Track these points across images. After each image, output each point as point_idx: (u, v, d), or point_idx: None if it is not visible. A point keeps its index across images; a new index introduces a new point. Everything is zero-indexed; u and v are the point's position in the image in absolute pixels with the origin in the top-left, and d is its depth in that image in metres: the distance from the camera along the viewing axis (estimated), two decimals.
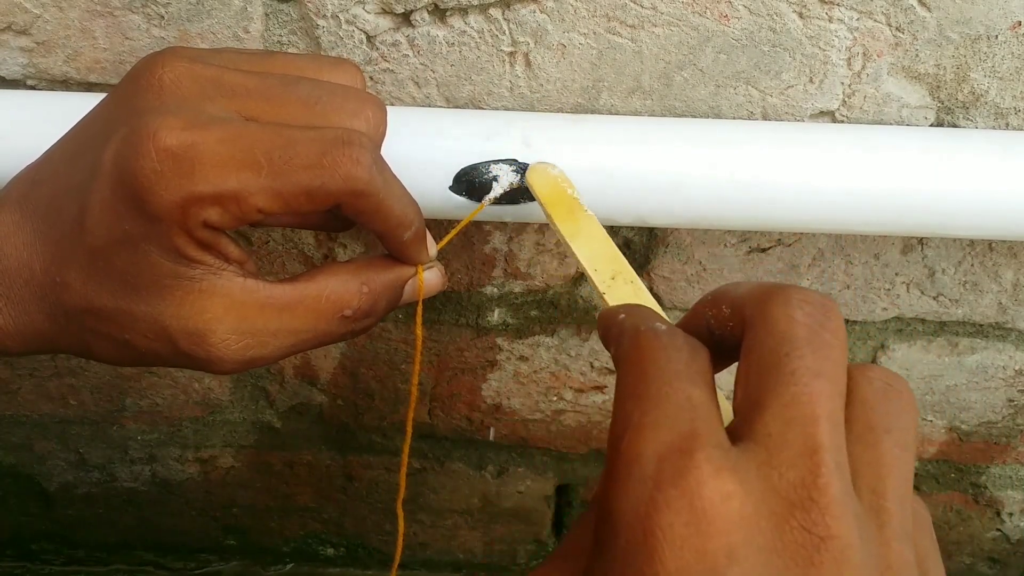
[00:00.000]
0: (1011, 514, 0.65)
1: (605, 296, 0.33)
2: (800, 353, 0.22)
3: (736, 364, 0.24)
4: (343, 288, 0.34)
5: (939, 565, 0.24)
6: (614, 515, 0.21)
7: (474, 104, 0.43)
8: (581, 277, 0.52)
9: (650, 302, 0.33)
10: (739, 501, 0.20)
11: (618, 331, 0.26)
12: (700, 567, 0.20)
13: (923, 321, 0.53)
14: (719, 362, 0.26)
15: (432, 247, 0.37)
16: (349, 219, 0.33)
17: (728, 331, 0.25)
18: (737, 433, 0.22)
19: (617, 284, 0.34)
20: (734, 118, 0.44)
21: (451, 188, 0.39)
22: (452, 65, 0.42)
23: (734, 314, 0.25)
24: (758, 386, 0.22)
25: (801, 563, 0.20)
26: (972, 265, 0.50)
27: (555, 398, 0.58)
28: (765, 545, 0.20)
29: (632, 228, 0.49)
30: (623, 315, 0.26)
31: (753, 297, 0.24)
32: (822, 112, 0.44)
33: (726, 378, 0.26)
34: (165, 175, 0.29)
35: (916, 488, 0.64)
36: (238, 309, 0.32)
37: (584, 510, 0.66)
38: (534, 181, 0.38)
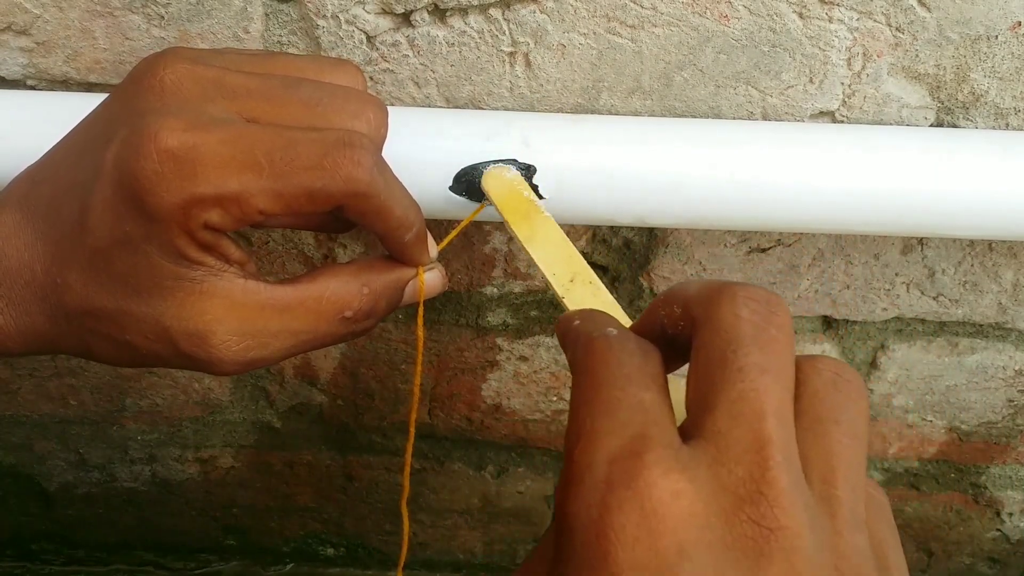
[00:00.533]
0: (1011, 514, 0.65)
1: (564, 300, 0.34)
2: (746, 350, 0.23)
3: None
4: (344, 289, 0.34)
5: (898, 550, 0.24)
6: (569, 520, 0.22)
7: (474, 104, 0.43)
8: None
9: (609, 302, 0.33)
10: (689, 499, 0.21)
11: (573, 337, 0.26)
12: (653, 566, 0.20)
13: (923, 321, 0.53)
14: (675, 361, 0.26)
15: (433, 248, 0.37)
16: (350, 220, 0.33)
17: (680, 330, 0.25)
18: (688, 432, 0.23)
19: (576, 286, 0.34)
20: (734, 118, 0.44)
21: (451, 188, 0.39)
22: (452, 65, 0.42)
23: (685, 313, 0.25)
24: (707, 384, 0.23)
25: (752, 555, 0.20)
26: (972, 265, 0.50)
27: (555, 398, 0.58)
28: (716, 540, 0.21)
29: (632, 228, 0.49)
30: (577, 321, 0.27)
31: (701, 296, 0.25)
32: (822, 112, 0.44)
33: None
34: (166, 176, 0.29)
35: (916, 488, 0.64)
36: (239, 310, 0.32)
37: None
38: (489, 186, 0.38)
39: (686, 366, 0.25)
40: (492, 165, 0.39)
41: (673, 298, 0.26)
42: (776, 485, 0.21)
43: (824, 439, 0.23)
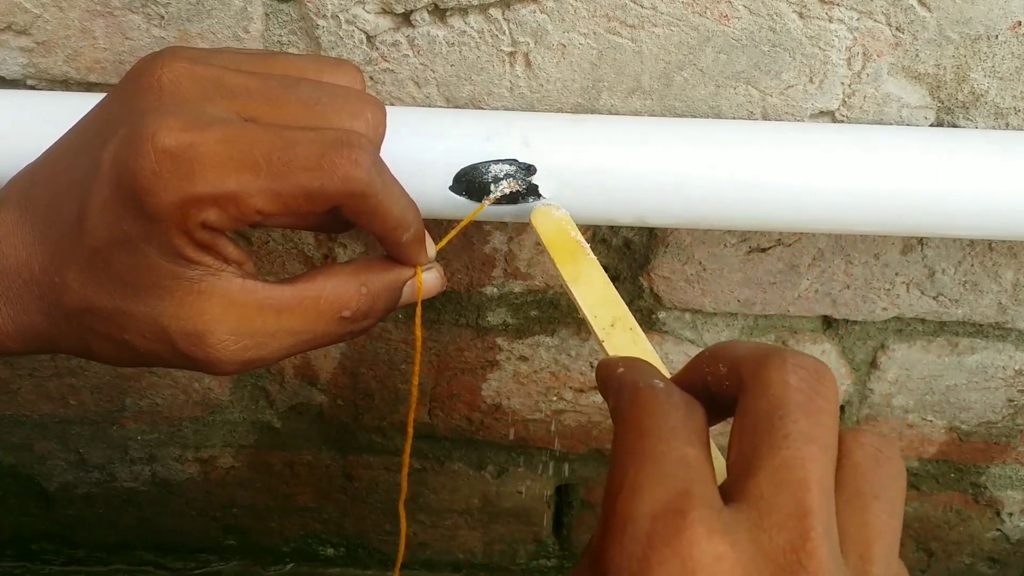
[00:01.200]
0: (1011, 514, 0.65)
1: (604, 344, 0.34)
2: (793, 418, 0.23)
3: (731, 418, 0.25)
4: (342, 289, 0.34)
5: None
6: (608, 572, 0.22)
7: (474, 104, 0.43)
8: None
9: (648, 350, 0.34)
10: (729, 563, 0.21)
11: (617, 385, 0.26)
12: None
13: (923, 321, 0.53)
14: (714, 417, 0.26)
15: (431, 248, 0.36)
16: (348, 220, 0.33)
17: (724, 389, 0.25)
18: (730, 493, 0.23)
19: (616, 331, 0.34)
20: (734, 118, 0.44)
21: (451, 188, 0.39)
22: (452, 65, 0.42)
23: (731, 373, 0.25)
24: (751, 448, 0.23)
25: None
26: (972, 265, 0.50)
27: (555, 398, 0.58)
28: None
29: (632, 228, 0.49)
30: (622, 368, 0.27)
31: (750, 359, 0.25)
32: (822, 112, 0.44)
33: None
34: (164, 176, 0.29)
35: (916, 488, 0.64)
36: (237, 310, 0.32)
37: (586, 511, 0.65)
38: (538, 223, 0.38)
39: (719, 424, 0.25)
40: (541, 202, 0.39)
41: (719, 356, 0.26)
42: (815, 556, 0.21)
43: (864, 513, 0.23)
